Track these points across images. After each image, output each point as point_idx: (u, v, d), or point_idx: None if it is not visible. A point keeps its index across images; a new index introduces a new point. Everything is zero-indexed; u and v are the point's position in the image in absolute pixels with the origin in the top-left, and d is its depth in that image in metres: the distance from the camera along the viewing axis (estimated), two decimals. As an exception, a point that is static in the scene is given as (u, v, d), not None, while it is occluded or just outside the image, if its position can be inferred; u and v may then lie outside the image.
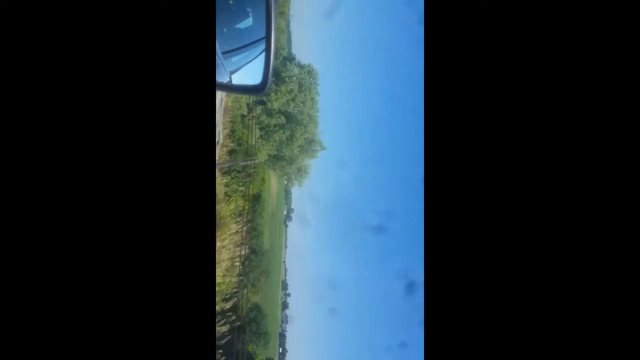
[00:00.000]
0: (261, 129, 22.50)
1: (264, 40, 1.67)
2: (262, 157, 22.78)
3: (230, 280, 18.17)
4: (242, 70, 2.04)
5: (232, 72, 2.06)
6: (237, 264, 18.32)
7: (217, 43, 1.75)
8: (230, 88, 2.80)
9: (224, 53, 1.95)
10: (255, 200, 22.27)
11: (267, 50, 1.68)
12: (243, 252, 18.70)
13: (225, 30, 1.85)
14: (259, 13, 1.64)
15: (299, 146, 24.32)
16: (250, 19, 1.88)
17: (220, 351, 16.07)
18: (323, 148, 26.58)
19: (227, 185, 18.59)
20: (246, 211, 19.31)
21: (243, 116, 22.20)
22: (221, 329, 16.83)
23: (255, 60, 1.81)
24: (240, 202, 19.11)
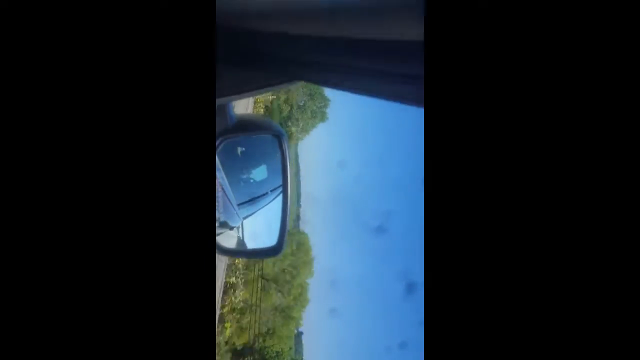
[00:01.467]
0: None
1: (280, 188, 1.71)
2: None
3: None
4: (257, 231, 2.08)
5: (245, 218, 2.12)
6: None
7: (233, 197, 1.86)
8: (246, 254, 2.75)
9: (239, 205, 2.03)
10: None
11: (284, 211, 1.66)
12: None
13: (242, 183, 1.98)
14: (274, 166, 1.70)
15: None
16: (265, 172, 1.99)
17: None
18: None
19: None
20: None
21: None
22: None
23: (270, 205, 1.83)
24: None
